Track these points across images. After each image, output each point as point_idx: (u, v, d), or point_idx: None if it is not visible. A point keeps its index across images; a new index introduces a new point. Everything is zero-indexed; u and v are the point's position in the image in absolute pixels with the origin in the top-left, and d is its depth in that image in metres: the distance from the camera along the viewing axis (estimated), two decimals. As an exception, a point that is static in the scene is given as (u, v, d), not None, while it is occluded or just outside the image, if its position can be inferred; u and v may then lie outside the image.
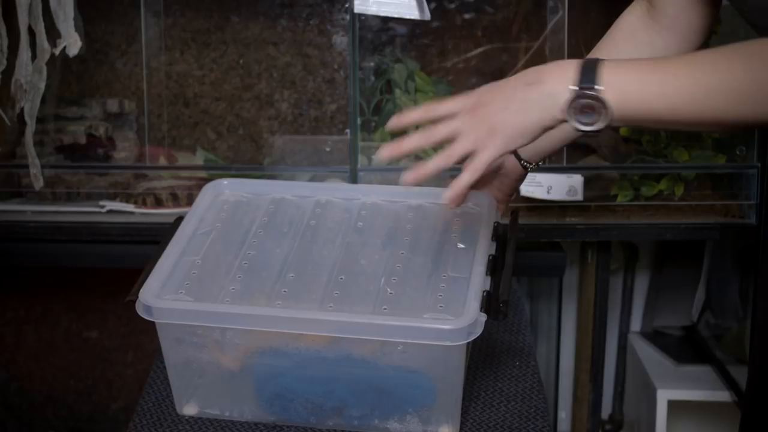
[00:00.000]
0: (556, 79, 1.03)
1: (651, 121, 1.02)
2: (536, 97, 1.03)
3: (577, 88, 1.01)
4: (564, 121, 1.03)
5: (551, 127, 1.05)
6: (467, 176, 1.08)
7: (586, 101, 1.00)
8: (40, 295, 2.28)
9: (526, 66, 1.96)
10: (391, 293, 1.17)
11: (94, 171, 1.93)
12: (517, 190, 1.40)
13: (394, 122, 1.14)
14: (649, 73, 1.00)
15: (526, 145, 1.08)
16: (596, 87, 1.00)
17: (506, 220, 1.32)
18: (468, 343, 1.12)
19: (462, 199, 1.16)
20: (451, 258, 1.23)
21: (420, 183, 1.12)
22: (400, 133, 1.92)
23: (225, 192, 1.38)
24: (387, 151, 1.12)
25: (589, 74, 1.00)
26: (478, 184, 1.34)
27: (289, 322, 1.12)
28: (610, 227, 1.85)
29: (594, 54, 1.28)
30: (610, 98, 1.00)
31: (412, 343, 1.10)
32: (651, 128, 1.77)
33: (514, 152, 1.27)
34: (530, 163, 1.29)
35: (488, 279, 1.17)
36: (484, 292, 1.14)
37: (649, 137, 1.91)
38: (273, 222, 1.32)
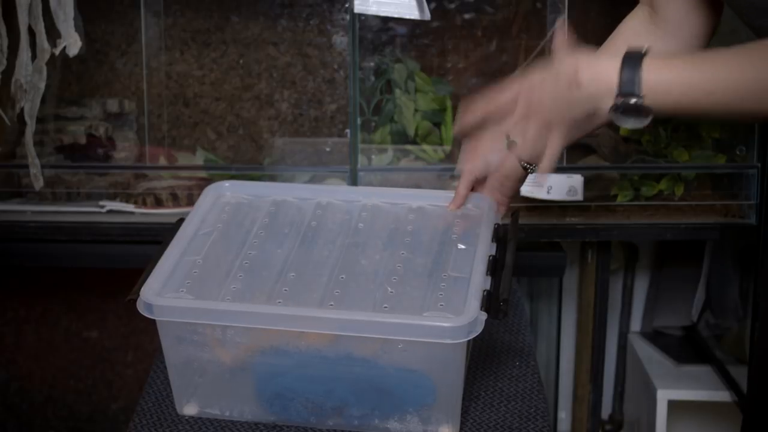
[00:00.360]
0: (595, 82, 1.07)
1: (697, 115, 1.06)
2: (580, 98, 1.08)
3: (619, 97, 1.04)
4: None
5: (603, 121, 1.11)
6: (552, 163, 1.15)
7: (629, 107, 1.04)
8: (40, 295, 2.28)
9: (527, 67, 1.97)
10: (391, 292, 1.18)
11: (94, 171, 1.93)
12: (517, 191, 1.40)
13: (459, 128, 1.24)
14: (690, 71, 1.02)
15: (584, 135, 1.15)
16: (638, 95, 1.03)
17: (507, 221, 1.32)
18: (468, 342, 1.12)
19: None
20: (452, 258, 1.24)
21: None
22: (402, 134, 1.93)
23: (226, 194, 1.39)
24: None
25: (629, 81, 1.04)
26: (479, 187, 1.34)
27: (289, 319, 1.12)
28: (610, 227, 1.85)
29: None
30: (653, 102, 1.03)
31: (413, 341, 1.10)
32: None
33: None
34: (531, 165, 1.29)
35: (488, 279, 1.18)
36: (484, 291, 1.14)
37: (649, 137, 1.91)
38: (274, 223, 1.32)
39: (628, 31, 1.26)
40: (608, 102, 1.05)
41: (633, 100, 1.03)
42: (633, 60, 1.04)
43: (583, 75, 1.07)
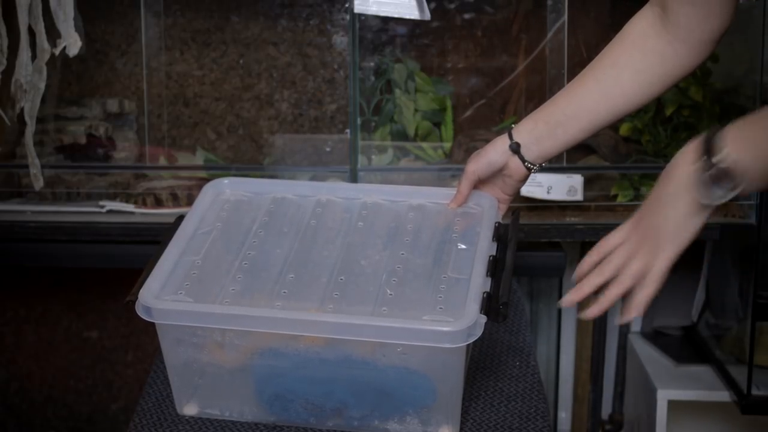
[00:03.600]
0: (679, 164, 1.04)
1: None
2: (672, 191, 1.06)
3: (699, 161, 1.01)
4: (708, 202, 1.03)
5: (706, 211, 1.06)
6: (650, 290, 1.09)
7: (713, 170, 1.00)
8: (40, 295, 2.28)
9: (527, 67, 1.97)
10: (390, 295, 1.17)
11: (94, 171, 1.93)
12: (519, 191, 1.40)
13: (572, 297, 1.16)
14: None
15: (697, 235, 1.08)
16: (717, 149, 1.00)
17: (507, 220, 1.32)
18: (468, 345, 1.11)
19: None
20: (452, 259, 1.23)
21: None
22: (402, 134, 1.93)
23: (226, 191, 1.38)
24: (569, 299, 1.16)
25: (707, 141, 1.01)
26: (480, 185, 1.34)
27: (288, 323, 1.12)
28: (610, 227, 1.83)
29: (600, 59, 1.27)
30: (742, 161, 0.99)
31: (412, 345, 1.10)
32: None
33: (518, 154, 1.28)
34: (534, 165, 1.30)
35: (488, 280, 1.17)
36: (484, 293, 1.14)
37: (648, 137, 1.91)
38: (273, 222, 1.31)
39: (636, 32, 1.25)
40: (694, 177, 1.01)
41: (713, 159, 0.99)
42: (714, 129, 1.01)
43: (671, 167, 1.05)
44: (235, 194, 1.37)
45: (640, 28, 1.24)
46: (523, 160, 1.29)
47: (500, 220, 1.30)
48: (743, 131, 1.01)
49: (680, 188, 1.05)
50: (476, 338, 1.09)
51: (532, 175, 1.32)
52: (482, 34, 1.99)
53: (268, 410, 1.22)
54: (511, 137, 1.29)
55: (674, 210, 1.07)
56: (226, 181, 1.39)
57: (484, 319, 1.11)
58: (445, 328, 1.08)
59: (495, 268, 1.20)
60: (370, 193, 1.37)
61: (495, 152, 1.30)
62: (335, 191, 1.37)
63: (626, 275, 1.10)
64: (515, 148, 1.28)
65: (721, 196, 1.02)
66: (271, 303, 1.16)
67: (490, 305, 1.13)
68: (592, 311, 1.14)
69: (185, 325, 1.15)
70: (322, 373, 1.16)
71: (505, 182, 1.33)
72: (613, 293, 1.12)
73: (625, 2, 1.30)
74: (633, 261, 1.10)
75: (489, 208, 1.31)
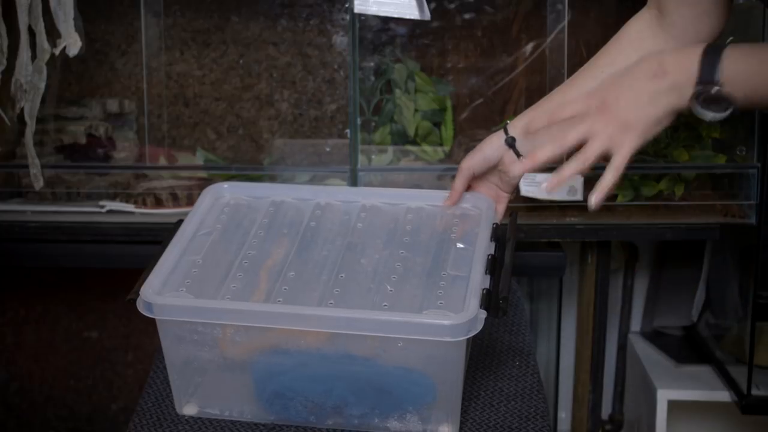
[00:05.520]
0: (678, 70, 1.05)
1: None
2: (663, 89, 1.06)
3: (699, 84, 1.03)
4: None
5: (682, 113, 1.08)
6: (611, 176, 1.11)
7: (709, 95, 1.03)
8: (40, 295, 2.28)
9: (527, 67, 1.97)
10: (391, 291, 1.18)
11: (94, 171, 1.93)
12: (517, 189, 1.40)
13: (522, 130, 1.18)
14: None
15: (659, 132, 1.09)
16: (717, 81, 1.02)
17: (506, 221, 1.32)
18: (468, 340, 1.12)
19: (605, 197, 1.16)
20: (451, 257, 1.24)
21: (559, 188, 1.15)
22: (402, 134, 1.93)
23: (225, 195, 1.39)
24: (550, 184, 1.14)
25: (709, 68, 1.03)
26: (478, 183, 1.34)
27: (289, 318, 1.12)
28: (610, 227, 1.85)
29: (597, 59, 1.27)
30: (734, 91, 1.02)
31: (412, 339, 1.10)
32: None
33: (513, 148, 1.28)
34: None
35: (488, 278, 1.18)
36: (483, 290, 1.14)
37: (649, 137, 1.91)
38: (273, 223, 1.32)
39: (633, 33, 1.26)
40: (689, 91, 1.04)
41: (713, 89, 1.02)
42: (715, 48, 1.03)
43: (668, 63, 1.06)
44: (235, 198, 1.38)
45: (636, 29, 1.25)
46: (518, 155, 1.29)
47: (499, 222, 1.31)
48: (739, 67, 1.02)
49: (672, 92, 1.06)
50: (476, 332, 1.10)
51: (531, 174, 1.32)
52: (482, 34, 2.00)
53: (268, 409, 1.22)
54: (506, 132, 1.29)
55: (658, 106, 1.07)
56: (225, 185, 1.40)
57: (484, 314, 1.11)
58: (445, 322, 1.09)
59: (494, 266, 1.20)
60: (368, 196, 1.38)
61: (490, 147, 1.30)
62: (334, 195, 1.38)
63: (589, 155, 1.10)
64: (510, 143, 1.28)
65: (712, 117, 1.04)
66: (272, 300, 1.17)
67: (490, 301, 1.13)
68: (552, 182, 1.13)
69: (186, 321, 1.16)
70: (322, 371, 1.17)
71: (501, 179, 1.33)
72: (574, 170, 1.12)
73: (624, 2, 1.30)
74: (596, 141, 1.10)
75: (487, 209, 1.32)
